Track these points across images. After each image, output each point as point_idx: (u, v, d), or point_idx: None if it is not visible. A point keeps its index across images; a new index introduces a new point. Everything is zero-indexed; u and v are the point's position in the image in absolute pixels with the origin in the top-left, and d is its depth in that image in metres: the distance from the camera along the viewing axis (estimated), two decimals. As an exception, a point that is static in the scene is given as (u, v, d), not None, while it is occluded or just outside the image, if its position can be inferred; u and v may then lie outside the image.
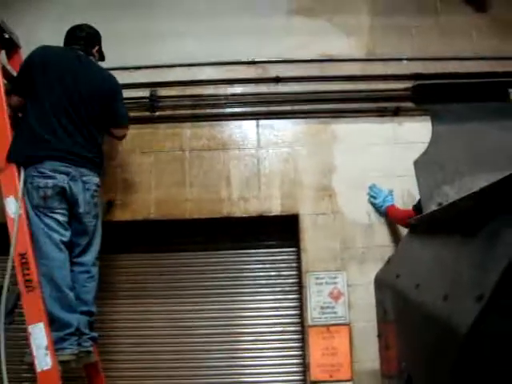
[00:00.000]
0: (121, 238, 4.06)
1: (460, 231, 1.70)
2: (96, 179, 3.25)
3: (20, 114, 3.30)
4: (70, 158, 3.08)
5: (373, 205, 3.91)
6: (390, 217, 3.82)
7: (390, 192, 3.86)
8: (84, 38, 3.48)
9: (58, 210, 3.02)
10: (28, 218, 2.98)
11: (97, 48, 3.54)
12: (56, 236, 2.98)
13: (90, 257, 3.22)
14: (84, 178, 3.14)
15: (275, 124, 4.14)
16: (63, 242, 3.01)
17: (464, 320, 1.28)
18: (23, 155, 3.05)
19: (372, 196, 3.91)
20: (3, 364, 2.74)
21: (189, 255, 4.16)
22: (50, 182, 3.00)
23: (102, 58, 3.65)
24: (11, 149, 3.05)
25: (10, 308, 2.93)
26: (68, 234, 3.07)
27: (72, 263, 3.11)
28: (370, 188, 3.92)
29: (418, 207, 3.40)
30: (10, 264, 2.89)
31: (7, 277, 2.89)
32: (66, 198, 3.06)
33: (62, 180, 3.02)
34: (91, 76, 3.33)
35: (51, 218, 2.99)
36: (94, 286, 3.23)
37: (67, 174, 3.06)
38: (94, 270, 3.25)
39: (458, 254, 1.65)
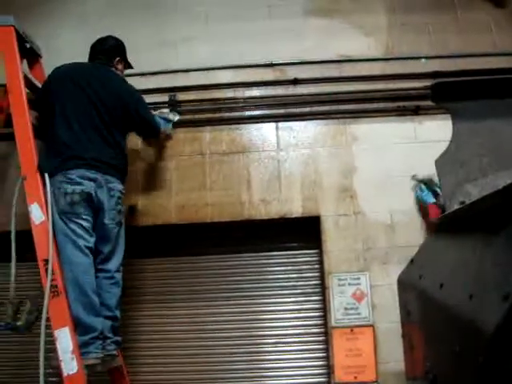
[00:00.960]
0: (142, 242, 4.09)
1: (484, 230, 1.68)
2: (120, 186, 3.30)
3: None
4: (96, 164, 3.14)
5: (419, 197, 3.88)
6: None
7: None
8: (105, 52, 3.55)
9: (84, 216, 3.07)
10: (54, 223, 3.02)
11: (118, 59, 3.59)
12: (81, 241, 3.02)
13: (113, 264, 3.26)
14: (109, 185, 3.19)
15: (294, 126, 4.14)
16: (88, 248, 3.05)
17: (491, 319, 1.26)
18: (52, 167, 3.11)
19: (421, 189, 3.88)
20: (41, 367, 2.76)
21: (210, 259, 4.17)
22: (78, 188, 3.05)
23: (129, 67, 3.73)
24: (41, 163, 3.11)
25: None
26: (92, 240, 3.11)
27: (96, 270, 3.15)
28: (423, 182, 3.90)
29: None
30: (50, 267, 2.90)
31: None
32: (92, 204, 3.11)
33: (89, 186, 3.08)
34: (111, 86, 3.37)
35: (76, 223, 3.04)
36: (118, 292, 3.27)
37: (94, 180, 3.11)
38: (118, 276, 3.29)
39: (483, 253, 1.62)
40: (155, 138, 3.89)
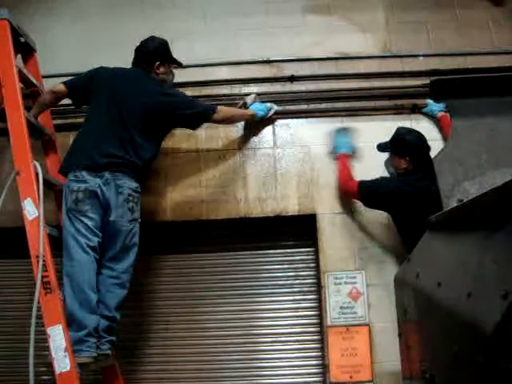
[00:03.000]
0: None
1: (483, 227, 1.66)
2: (133, 184, 3.24)
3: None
4: (105, 163, 3.14)
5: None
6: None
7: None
8: (144, 58, 3.54)
9: (89, 214, 3.06)
10: (62, 220, 3.11)
11: (157, 64, 3.54)
12: (83, 240, 3.02)
13: (122, 264, 3.21)
14: (118, 182, 3.16)
15: (291, 123, 4.10)
16: (90, 246, 3.04)
17: (490, 318, 1.24)
18: (67, 166, 3.21)
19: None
20: (31, 365, 2.71)
21: (206, 257, 4.14)
22: (83, 185, 3.07)
23: (176, 63, 3.71)
24: (62, 162, 3.28)
25: None
26: (96, 239, 3.08)
27: (102, 266, 3.15)
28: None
29: (365, 185, 3.38)
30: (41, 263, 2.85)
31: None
32: (99, 201, 3.11)
33: (93, 184, 3.09)
34: (143, 94, 3.38)
35: (81, 222, 3.05)
36: (122, 293, 3.21)
37: (101, 177, 3.12)
38: (125, 278, 3.23)
39: (481, 251, 1.61)
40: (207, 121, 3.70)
